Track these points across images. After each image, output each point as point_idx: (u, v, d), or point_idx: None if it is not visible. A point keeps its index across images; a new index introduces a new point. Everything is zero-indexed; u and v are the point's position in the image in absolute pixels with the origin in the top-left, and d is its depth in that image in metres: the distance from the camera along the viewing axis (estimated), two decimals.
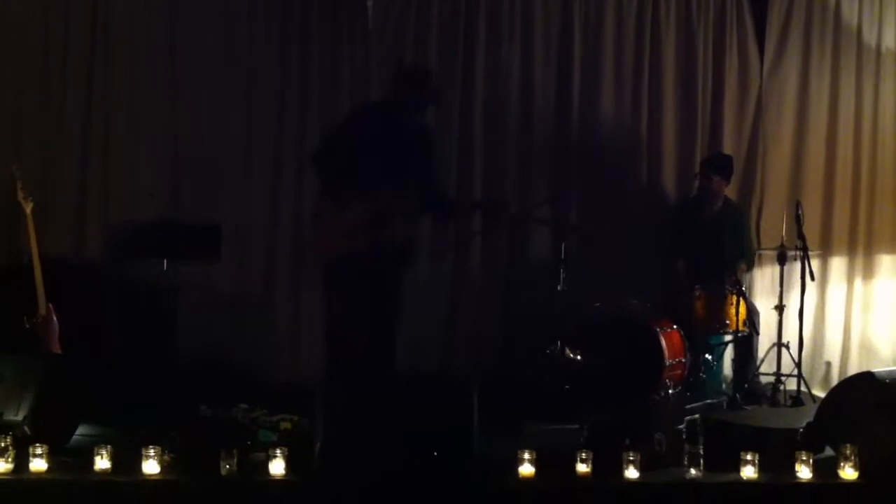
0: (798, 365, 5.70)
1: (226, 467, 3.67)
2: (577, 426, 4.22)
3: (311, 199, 5.96)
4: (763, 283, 6.42)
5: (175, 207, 6.00)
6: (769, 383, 5.83)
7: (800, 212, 5.67)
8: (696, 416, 4.46)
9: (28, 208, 4.94)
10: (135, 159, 6.11)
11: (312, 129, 6.16)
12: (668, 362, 5.27)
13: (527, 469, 3.76)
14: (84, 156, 6.08)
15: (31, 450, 3.66)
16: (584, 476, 3.78)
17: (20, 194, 4.95)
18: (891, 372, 4.20)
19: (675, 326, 5.46)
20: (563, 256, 5.54)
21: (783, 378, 5.78)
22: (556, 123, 6.37)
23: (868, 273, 6.46)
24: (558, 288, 5.55)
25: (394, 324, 5.12)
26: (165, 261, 5.40)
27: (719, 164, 6.03)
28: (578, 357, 5.38)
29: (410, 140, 5.07)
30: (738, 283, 5.60)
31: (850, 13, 6.45)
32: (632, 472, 3.77)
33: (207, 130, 6.15)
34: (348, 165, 4.99)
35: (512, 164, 6.28)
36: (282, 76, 6.20)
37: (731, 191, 6.20)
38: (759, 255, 6.31)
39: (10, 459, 3.64)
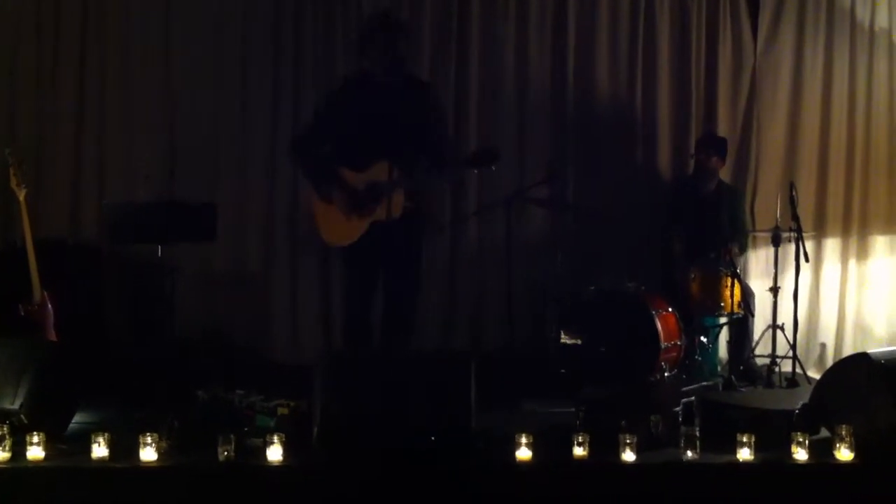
0: (793, 346, 5.70)
1: (223, 453, 3.68)
2: (573, 408, 4.23)
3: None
4: (758, 265, 6.43)
5: (170, 188, 5.98)
6: (764, 365, 5.83)
7: (794, 193, 5.66)
8: (692, 398, 4.47)
9: (21, 195, 4.90)
10: (129, 140, 6.11)
11: (307, 102, 6.13)
12: (663, 345, 5.27)
13: (523, 452, 3.78)
14: (78, 137, 6.08)
15: (28, 438, 3.66)
16: (580, 458, 3.80)
17: (13, 181, 4.91)
18: (886, 352, 4.22)
19: (670, 309, 5.47)
20: (559, 235, 5.54)
21: (778, 360, 5.79)
22: (550, 102, 6.37)
23: (862, 254, 6.47)
24: (554, 270, 5.56)
25: (409, 300, 4.92)
26: (160, 247, 5.37)
27: (716, 144, 6.05)
28: (574, 341, 5.39)
29: (387, 99, 4.73)
30: (733, 265, 5.61)
31: None
32: (628, 455, 3.78)
33: (202, 109, 6.13)
34: (325, 152, 4.89)
35: (507, 143, 6.20)
36: (275, 50, 6.18)
37: (724, 172, 6.21)
38: (754, 237, 6.31)
39: (7, 448, 3.63)
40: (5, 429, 3.65)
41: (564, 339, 5.42)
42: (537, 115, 6.35)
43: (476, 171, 5.64)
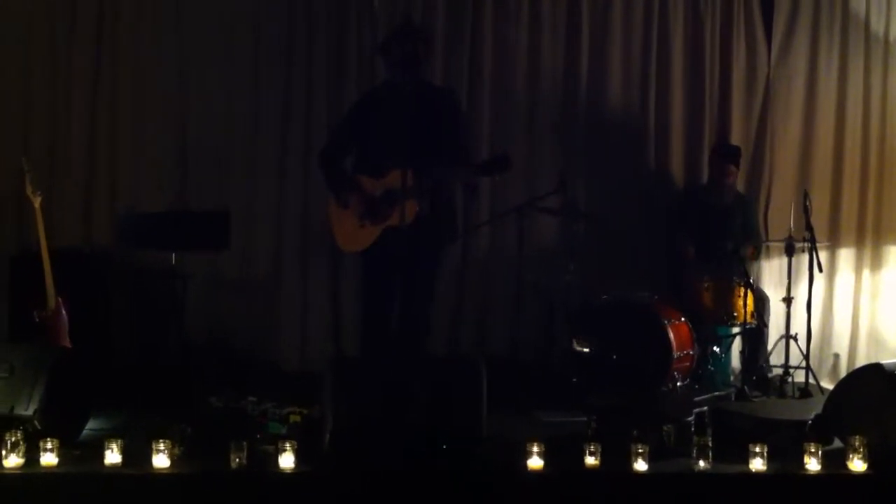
0: (806, 357, 5.69)
1: (235, 460, 3.69)
2: (585, 418, 4.22)
3: (316, 182, 5.92)
4: (771, 275, 6.41)
5: (182, 194, 6.02)
6: (777, 375, 5.82)
7: (808, 202, 5.66)
8: (705, 407, 4.48)
9: (37, 202, 4.94)
10: (141, 147, 6.14)
11: (319, 108, 6.16)
12: (676, 354, 5.27)
13: (535, 462, 3.77)
14: (91, 145, 6.11)
15: (41, 444, 3.68)
16: (592, 468, 3.79)
17: (29, 188, 4.95)
18: None
19: (683, 318, 5.46)
20: (571, 244, 5.54)
21: (791, 370, 5.77)
22: (563, 109, 6.36)
23: (876, 264, 6.45)
24: (566, 277, 5.57)
25: (423, 306, 4.92)
26: (174, 254, 5.39)
27: (732, 154, 6.03)
28: (586, 350, 5.38)
29: (406, 105, 4.72)
30: (746, 274, 5.59)
31: (857, 2, 6.44)
32: (640, 464, 3.77)
33: (213, 115, 6.15)
34: (347, 157, 4.96)
35: (519, 150, 6.17)
36: (288, 54, 6.20)
37: (738, 181, 6.20)
38: (767, 247, 6.30)
39: (21, 454, 3.65)
40: (19, 435, 3.66)
41: (576, 347, 5.42)
42: (550, 121, 6.34)
43: (488, 179, 5.68)
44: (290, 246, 6.23)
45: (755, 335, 5.82)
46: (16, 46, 6.04)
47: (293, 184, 6.18)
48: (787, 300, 5.84)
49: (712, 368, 5.68)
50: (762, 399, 5.47)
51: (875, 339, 6.43)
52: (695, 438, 3.88)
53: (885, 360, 4.34)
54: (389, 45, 4.86)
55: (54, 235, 5.16)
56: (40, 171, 5.24)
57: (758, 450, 3.79)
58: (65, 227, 5.97)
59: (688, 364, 5.42)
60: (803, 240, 5.70)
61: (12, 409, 3.90)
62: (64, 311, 4.89)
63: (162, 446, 3.69)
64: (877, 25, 6.45)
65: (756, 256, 6.16)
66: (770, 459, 3.79)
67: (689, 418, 4.22)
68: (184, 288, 5.55)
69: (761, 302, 5.86)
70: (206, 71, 6.14)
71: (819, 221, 6.00)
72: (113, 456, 3.69)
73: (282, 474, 3.69)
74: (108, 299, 5.65)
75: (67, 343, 4.85)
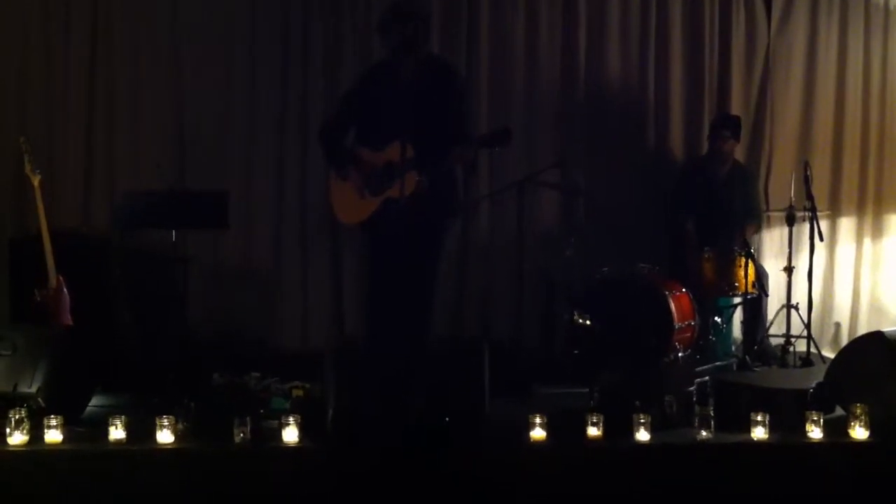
0: (808, 326, 5.69)
1: (239, 435, 3.71)
2: (587, 390, 4.23)
3: (315, 164, 5.91)
4: (772, 245, 6.41)
5: (181, 176, 5.99)
6: (779, 345, 5.82)
7: (808, 172, 5.65)
8: (706, 378, 4.48)
9: (36, 181, 4.93)
10: (139, 130, 6.11)
11: (316, 89, 6.13)
12: (677, 325, 5.28)
13: (538, 433, 3.79)
14: (89, 127, 6.08)
15: (45, 421, 3.70)
16: (595, 439, 3.81)
17: (28, 167, 4.94)
18: None
19: (684, 290, 5.46)
20: (571, 220, 5.53)
21: (793, 339, 5.77)
22: (562, 86, 6.33)
23: (877, 233, 6.45)
24: (567, 253, 5.56)
25: (427, 284, 4.96)
26: (174, 232, 5.38)
27: (731, 125, 6.00)
28: (588, 322, 5.39)
29: (406, 81, 4.69)
30: (747, 245, 5.59)
31: None
32: (643, 435, 3.79)
33: (211, 99, 6.12)
34: (347, 134, 4.94)
35: (519, 128, 6.06)
36: (283, 39, 6.16)
37: (739, 152, 6.17)
38: (768, 217, 6.29)
39: (25, 431, 3.67)
40: (23, 412, 3.68)
41: (577, 320, 5.42)
42: (548, 99, 6.31)
43: (490, 151, 5.64)
44: (290, 227, 6.21)
45: (755, 306, 5.82)
46: (13, 28, 6.00)
47: (292, 164, 6.17)
48: (788, 270, 5.84)
49: (714, 339, 5.69)
50: (764, 369, 5.48)
51: (876, 308, 6.44)
52: (697, 409, 3.90)
53: (886, 329, 4.34)
54: (387, 25, 4.83)
55: (53, 217, 5.14)
56: (38, 154, 5.22)
57: (760, 419, 3.81)
58: (64, 208, 5.95)
59: (689, 335, 5.43)
60: (804, 209, 5.69)
61: (16, 387, 3.93)
62: (65, 290, 4.89)
63: (166, 422, 3.71)
64: None
65: (756, 231, 6.11)
66: (772, 428, 3.81)
67: (691, 389, 4.24)
68: (185, 270, 5.54)
69: (760, 276, 5.84)
70: (203, 57, 6.11)
71: (820, 191, 5.99)
72: (117, 432, 3.71)
73: (285, 448, 3.71)
74: (109, 280, 5.65)
75: (69, 321, 4.85)
